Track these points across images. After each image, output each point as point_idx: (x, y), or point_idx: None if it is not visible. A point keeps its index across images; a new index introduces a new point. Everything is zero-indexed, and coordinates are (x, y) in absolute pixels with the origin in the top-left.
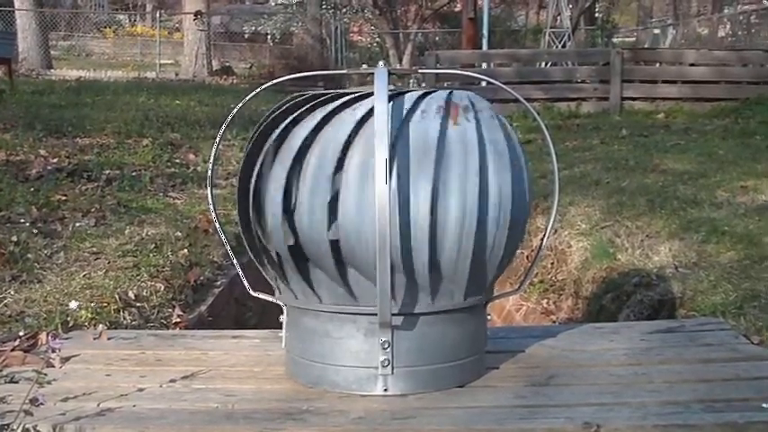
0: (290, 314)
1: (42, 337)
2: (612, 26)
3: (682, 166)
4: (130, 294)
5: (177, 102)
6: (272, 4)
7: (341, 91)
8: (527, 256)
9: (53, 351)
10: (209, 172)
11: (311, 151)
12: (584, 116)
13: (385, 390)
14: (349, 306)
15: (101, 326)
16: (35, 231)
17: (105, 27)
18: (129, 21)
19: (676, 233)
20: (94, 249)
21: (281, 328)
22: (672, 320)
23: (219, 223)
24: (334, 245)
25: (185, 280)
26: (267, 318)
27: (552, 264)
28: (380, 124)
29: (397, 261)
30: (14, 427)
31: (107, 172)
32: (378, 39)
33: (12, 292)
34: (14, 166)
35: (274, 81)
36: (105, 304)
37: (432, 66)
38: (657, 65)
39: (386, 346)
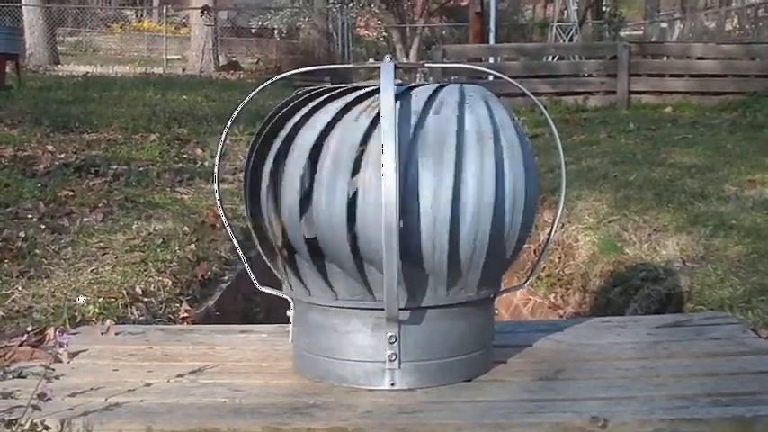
0: (298, 309)
1: (50, 332)
2: (620, 20)
3: (689, 159)
4: (138, 289)
5: (184, 97)
6: None
7: (350, 85)
8: (534, 251)
9: (61, 346)
10: (216, 167)
11: (326, 150)
12: (592, 110)
13: (392, 384)
14: (357, 301)
15: (108, 321)
16: (43, 227)
17: (112, 22)
18: (136, 16)
19: (684, 227)
20: (102, 245)
21: (288, 322)
22: (679, 314)
23: (226, 218)
24: (353, 241)
25: (192, 275)
26: (274, 312)
27: (560, 258)
28: (387, 119)
29: (410, 254)
30: (23, 422)
31: (114, 167)
32: (384, 33)
33: (19, 288)
34: (22, 161)
35: (281, 76)
36: (113, 299)
37: (439, 60)
38: (665, 58)
39: (393, 340)
